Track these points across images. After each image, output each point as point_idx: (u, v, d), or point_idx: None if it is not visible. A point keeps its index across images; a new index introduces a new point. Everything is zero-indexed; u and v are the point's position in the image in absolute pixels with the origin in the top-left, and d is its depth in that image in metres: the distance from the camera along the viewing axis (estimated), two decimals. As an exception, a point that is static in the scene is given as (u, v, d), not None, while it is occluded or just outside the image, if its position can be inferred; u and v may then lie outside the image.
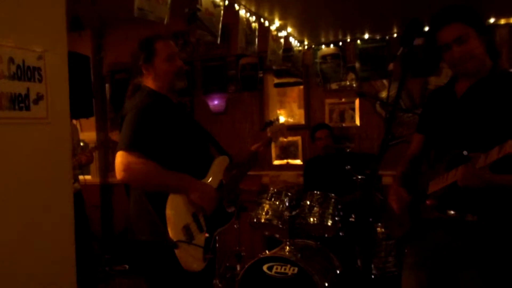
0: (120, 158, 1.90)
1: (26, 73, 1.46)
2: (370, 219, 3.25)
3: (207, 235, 2.06)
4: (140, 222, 2.05)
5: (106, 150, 5.80)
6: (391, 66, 4.44)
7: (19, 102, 1.43)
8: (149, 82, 2.18)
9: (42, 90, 1.50)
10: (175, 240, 1.90)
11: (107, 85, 5.79)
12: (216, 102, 5.34)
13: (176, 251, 1.91)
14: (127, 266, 5.10)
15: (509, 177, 1.69)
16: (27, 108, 1.46)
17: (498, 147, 1.55)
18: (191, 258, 1.96)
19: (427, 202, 1.90)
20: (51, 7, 1.57)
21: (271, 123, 2.83)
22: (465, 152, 1.76)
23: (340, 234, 3.39)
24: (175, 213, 1.97)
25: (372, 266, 3.60)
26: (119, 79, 5.58)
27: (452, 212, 1.84)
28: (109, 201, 5.89)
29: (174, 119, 2.11)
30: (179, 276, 1.97)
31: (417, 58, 4.25)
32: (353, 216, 3.41)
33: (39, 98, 1.49)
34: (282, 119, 2.91)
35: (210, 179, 2.18)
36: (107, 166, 5.89)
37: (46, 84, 1.51)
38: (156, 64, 2.15)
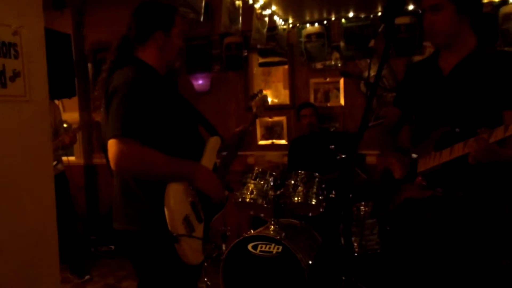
0: (115, 146, 1.69)
1: (1, 48, 1.42)
2: (350, 195, 3.28)
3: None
4: (129, 211, 1.85)
5: (90, 130, 5.73)
6: (372, 43, 4.43)
7: (-5, 79, 1.40)
8: (151, 52, 1.94)
9: (18, 67, 1.47)
10: (175, 233, 1.75)
11: (89, 65, 5.69)
12: (200, 82, 5.30)
13: (176, 245, 1.77)
14: (112, 247, 5.10)
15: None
16: (4, 85, 1.43)
17: (504, 126, 1.56)
18: (190, 252, 1.81)
19: (417, 180, 1.91)
20: (26, -18, 1.53)
21: (255, 96, 2.75)
22: (457, 130, 1.78)
23: (320, 210, 3.42)
24: (175, 203, 1.79)
25: (355, 244, 3.66)
26: (102, 58, 5.49)
27: (439, 189, 1.85)
28: (93, 182, 5.85)
29: (166, 98, 1.90)
30: (175, 269, 1.84)
31: (401, 37, 4.27)
32: (333, 192, 3.43)
33: (15, 75, 1.46)
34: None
35: (205, 162, 2.00)
36: (91, 147, 5.83)
37: (22, 60, 1.48)
38: (172, 35, 1.95)
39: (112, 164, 1.70)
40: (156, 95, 1.82)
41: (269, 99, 5.20)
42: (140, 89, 1.77)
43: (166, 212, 1.75)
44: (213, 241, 1.98)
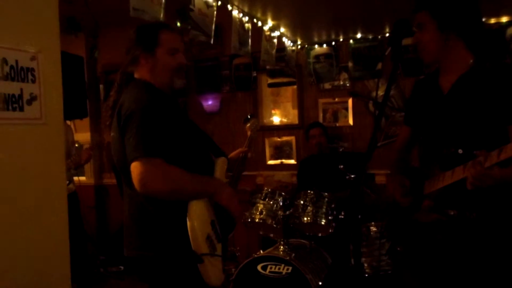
0: (141, 167, 1.63)
1: (20, 73, 1.46)
2: (359, 216, 3.27)
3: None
4: (145, 235, 1.79)
5: (101, 151, 5.79)
6: (379, 66, 4.47)
7: (13, 102, 1.44)
8: (145, 75, 1.91)
9: (35, 91, 1.51)
10: (199, 253, 1.70)
11: (101, 86, 5.79)
12: (210, 102, 5.35)
13: (200, 266, 1.72)
14: (122, 268, 5.10)
15: None
16: (21, 109, 1.47)
17: (498, 150, 1.54)
18: (213, 271, 1.77)
19: (425, 203, 1.89)
20: (44, 8, 1.58)
21: (248, 120, 2.76)
22: (460, 151, 1.76)
23: (330, 230, 3.40)
24: (198, 223, 1.74)
25: (366, 264, 3.63)
26: (113, 80, 5.58)
27: (450, 211, 1.82)
28: (103, 202, 5.89)
29: (176, 118, 1.87)
30: None
31: (409, 58, 4.30)
32: (342, 213, 3.42)
33: (32, 98, 1.50)
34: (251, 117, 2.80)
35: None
36: (102, 167, 5.88)
37: (39, 84, 1.52)
38: (158, 55, 1.89)
39: (138, 185, 1.65)
40: (168, 115, 1.80)
41: (278, 119, 5.25)
42: (155, 110, 1.75)
43: (190, 232, 1.71)
44: (236, 260, 1.95)
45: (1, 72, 1.40)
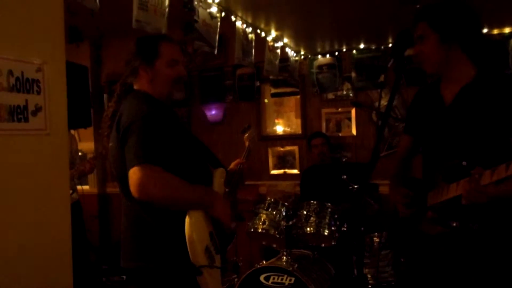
0: (139, 173, 1.63)
1: (25, 85, 1.47)
2: (362, 228, 3.26)
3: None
4: (143, 246, 1.79)
5: (104, 160, 5.80)
6: (382, 78, 4.48)
7: (18, 113, 1.45)
8: (144, 86, 1.92)
9: (40, 102, 1.52)
10: (197, 265, 1.70)
11: (105, 95, 5.82)
12: (213, 112, 5.37)
13: (199, 278, 1.72)
14: (124, 277, 5.08)
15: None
16: (26, 120, 1.48)
17: (505, 165, 1.52)
18: (211, 284, 1.76)
19: (428, 214, 1.88)
20: (50, 20, 1.60)
21: (245, 130, 2.76)
22: (464, 163, 1.75)
23: (333, 242, 3.39)
24: (197, 234, 1.74)
25: (369, 275, 3.61)
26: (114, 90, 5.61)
27: (452, 222, 1.81)
28: (107, 211, 5.89)
29: (175, 128, 1.88)
30: None
31: (412, 68, 4.30)
32: (345, 225, 3.41)
33: (37, 109, 1.51)
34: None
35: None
36: (105, 176, 5.89)
37: (44, 95, 1.53)
38: (157, 66, 1.90)
39: (135, 190, 1.65)
40: (167, 126, 1.81)
41: (281, 129, 5.25)
42: (155, 120, 1.75)
43: (188, 244, 1.70)
44: (235, 272, 1.96)
45: (6, 84, 1.41)
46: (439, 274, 1.93)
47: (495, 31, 4.22)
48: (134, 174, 1.65)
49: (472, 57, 1.87)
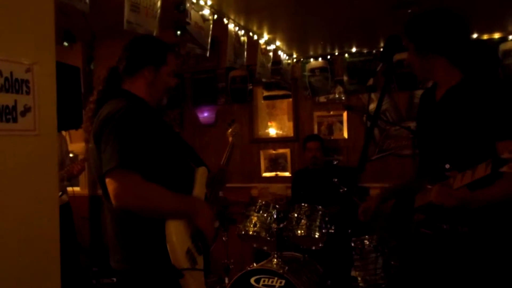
0: (115, 183, 1.60)
1: (14, 85, 1.47)
2: (349, 231, 3.28)
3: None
4: (126, 249, 1.78)
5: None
6: (370, 82, 4.51)
7: (6, 114, 1.44)
8: (137, 86, 1.89)
9: (29, 102, 1.52)
10: (179, 268, 1.69)
11: (97, 97, 5.79)
12: (205, 114, 5.37)
13: (181, 280, 1.71)
14: (114, 279, 5.05)
15: (487, 192, 1.68)
16: (14, 120, 1.47)
17: (471, 170, 1.56)
18: (194, 286, 1.75)
19: (415, 216, 1.90)
20: (40, 20, 1.59)
21: (230, 125, 2.74)
22: (447, 166, 1.77)
23: (323, 243, 3.40)
24: (177, 237, 1.72)
25: (359, 278, 3.62)
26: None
27: (442, 225, 1.83)
28: (98, 213, 5.86)
29: (157, 128, 1.84)
30: None
31: (403, 72, 4.34)
32: (332, 227, 3.43)
33: (26, 110, 1.51)
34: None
35: (197, 193, 1.95)
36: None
37: (34, 96, 1.53)
38: (162, 73, 1.91)
39: (113, 199, 1.62)
40: (147, 125, 1.76)
41: (274, 131, 5.27)
42: (133, 119, 1.71)
43: (169, 247, 1.69)
44: (217, 273, 1.95)
45: (-5, 84, 1.40)
46: (430, 277, 1.94)
47: (485, 37, 4.27)
48: (110, 184, 1.62)
49: (455, 62, 1.92)
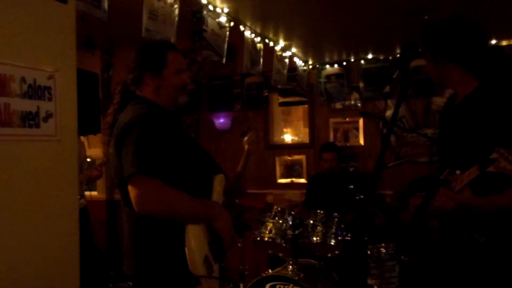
0: (137, 189, 1.63)
1: (37, 92, 1.51)
2: (366, 238, 3.25)
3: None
4: (142, 255, 1.79)
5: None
6: (387, 89, 4.48)
7: (29, 119, 1.48)
8: (148, 93, 1.90)
9: (51, 108, 1.56)
10: (196, 275, 1.70)
11: (114, 103, 5.87)
12: (221, 120, 5.40)
13: (197, 287, 1.72)
14: (131, 283, 5.08)
15: (493, 198, 1.68)
16: (37, 126, 1.51)
17: (468, 171, 1.59)
18: None
19: (431, 223, 1.89)
20: (62, 29, 1.64)
21: (245, 133, 2.74)
22: (457, 172, 1.76)
23: (339, 251, 3.39)
24: (196, 244, 1.73)
25: (375, 287, 3.59)
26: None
27: (460, 234, 1.81)
28: (115, 217, 5.92)
29: (177, 134, 1.86)
30: None
31: (420, 79, 4.31)
32: (348, 235, 3.41)
33: (48, 116, 1.55)
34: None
35: (215, 199, 1.95)
36: (114, 182, 5.92)
37: (55, 102, 1.57)
38: (166, 76, 1.89)
39: (135, 205, 1.65)
40: (167, 132, 1.78)
41: (289, 138, 5.27)
42: (153, 126, 1.73)
43: (187, 253, 1.70)
44: (232, 281, 1.95)
45: (19, 90, 1.45)
46: (445, 285, 1.93)
47: (504, 43, 4.22)
48: (132, 190, 1.65)
49: (473, 71, 1.91)
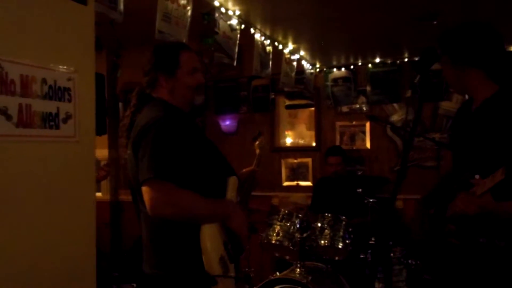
0: (151, 193, 1.65)
1: (57, 93, 1.51)
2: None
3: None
4: (159, 254, 1.81)
5: (118, 167, 5.84)
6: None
7: (50, 120, 1.49)
8: (164, 95, 1.91)
9: (70, 110, 1.56)
10: (212, 275, 1.71)
11: (120, 104, 5.87)
12: (227, 123, 5.40)
13: (214, 287, 1.73)
14: (135, 285, 5.08)
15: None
16: (57, 127, 1.51)
17: (492, 176, 1.59)
18: None
19: (448, 227, 1.89)
20: (82, 30, 1.64)
21: (256, 138, 2.74)
22: (477, 176, 1.76)
23: (343, 256, 3.39)
24: (212, 244, 1.75)
25: (384, 291, 3.59)
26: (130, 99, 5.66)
27: (479, 238, 1.81)
28: (118, 218, 5.91)
29: (194, 136, 1.87)
30: None
31: (429, 83, 4.31)
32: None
33: (67, 117, 1.55)
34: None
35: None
36: (118, 183, 5.93)
37: (75, 103, 1.57)
38: (179, 77, 1.89)
39: (149, 209, 1.66)
40: (184, 135, 1.78)
41: (295, 141, 5.27)
42: (170, 129, 1.73)
43: (204, 254, 1.72)
44: (248, 281, 1.94)
45: (40, 92, 1.45)
46: None
47: (512, 48, 4.21)
48: (146, 193, 1.67)
49: (492, 75, 1.91)
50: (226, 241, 1.85)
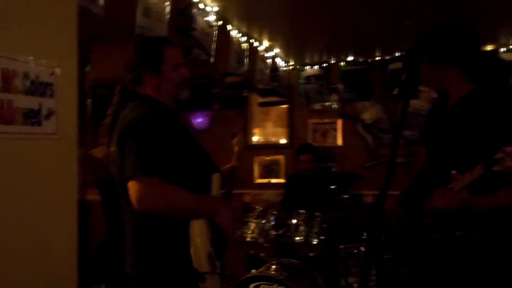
0: (137, 186, 1.61)
1: (39, 88, 1.46)
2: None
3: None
4: (144, 253, 1.77)
5: (85, 167, 5.68)
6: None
7: (32, 117, 1.43)
8: (149, 91, 1.87)
9: (53, 106, 1.51)
10: (200, 272, 1.71)
11: (88, 100, 5.71)
12: (199, 120, 5.35)
13: (201, 284, 1.72)
14: (103, 286, 4.96)
15: (492, 197, 1.75)
16: (39, 124, 1.46)
17: (470, 171, 1.64)
18: None
19: (425, 221, 1.94)
20: (65, 24, 1.59)
21: (234, 135, 2.77)
22: (454, 172, 1.82)
23: (317, 252, 3.43)
24: (201, 240, 1.76)
25: (355, 285, 3.65)
26: (102, 94, 5.52)
27: (455, 232, 1.86)
28: (86, 219, 5.74)
29: (179, 133, 1.85)
30: None
31: (399, 81, 4.41)
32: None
33: (50, 113, 1.50)
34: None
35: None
36: (85, 183, 5.76)
37: (57, 99, 1.52)
38: (164, 72, 1.86)
39: (135, 203, 1.62)
40: (169, 132, 1.76)
41: (267, 138, 5.28)
42: (156, 126, 1.71)
43: (193, 251, 1.71)
44: (234, 278, 1.95)
45: (22, 87, 1.39)
46: (438, 283, 1.98)
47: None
48: (132, 186, 1.62)
49: (468, 74, 1.97)
50: (213, 237, 1.84)
